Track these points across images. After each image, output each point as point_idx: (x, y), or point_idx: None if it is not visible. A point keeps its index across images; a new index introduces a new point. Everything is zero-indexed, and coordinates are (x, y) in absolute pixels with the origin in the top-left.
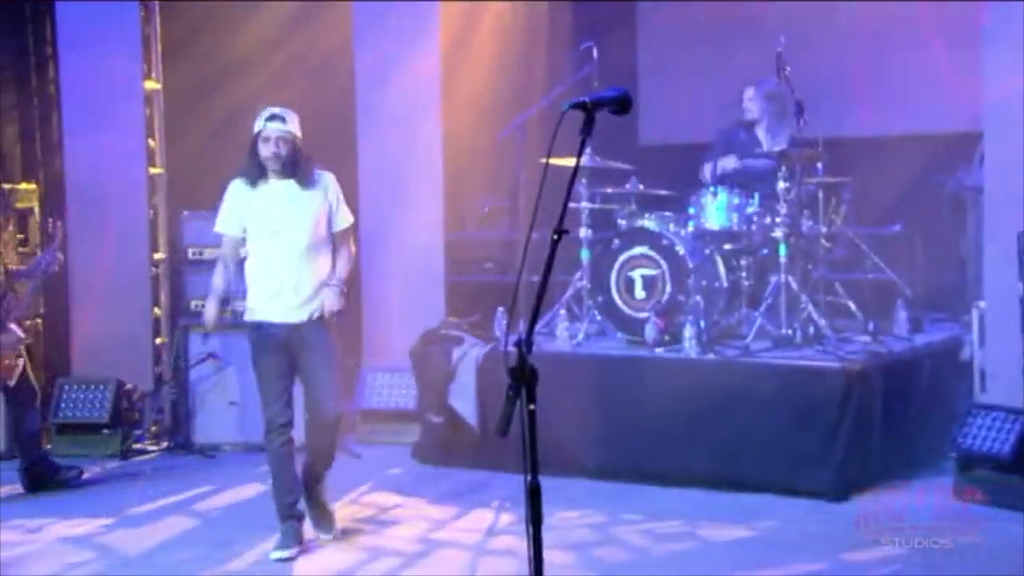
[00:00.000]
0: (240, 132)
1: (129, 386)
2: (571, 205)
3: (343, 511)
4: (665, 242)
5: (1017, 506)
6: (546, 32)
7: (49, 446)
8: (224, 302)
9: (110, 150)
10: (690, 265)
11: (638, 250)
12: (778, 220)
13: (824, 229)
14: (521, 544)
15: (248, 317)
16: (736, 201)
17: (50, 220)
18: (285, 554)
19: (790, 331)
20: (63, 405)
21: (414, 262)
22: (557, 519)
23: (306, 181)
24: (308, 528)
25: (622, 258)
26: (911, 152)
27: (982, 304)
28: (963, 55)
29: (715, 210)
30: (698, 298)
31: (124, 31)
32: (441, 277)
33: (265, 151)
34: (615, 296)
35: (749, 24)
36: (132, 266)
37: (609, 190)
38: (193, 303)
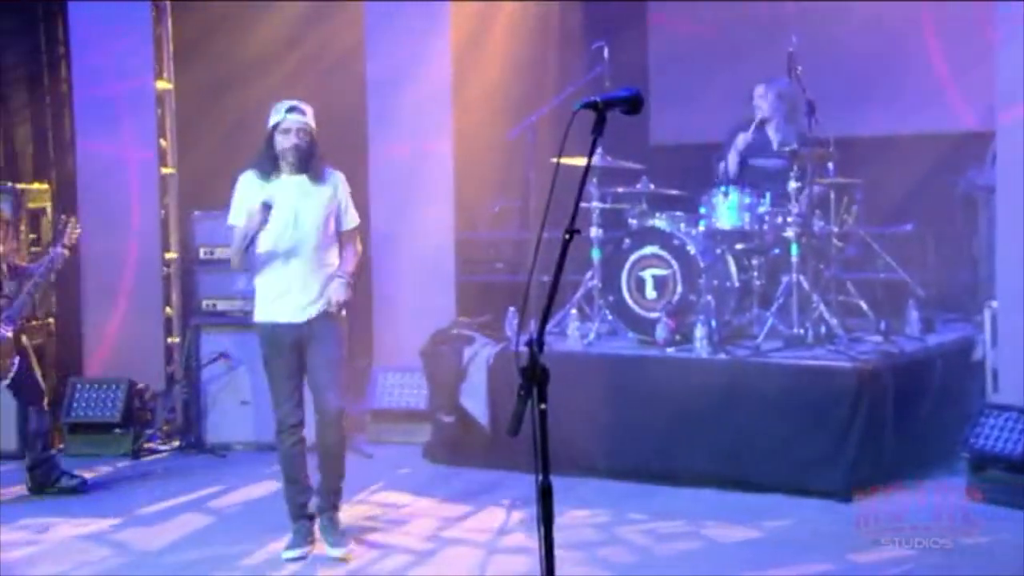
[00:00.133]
0: (251, 132)
1: (141, 386)
2: (582, 205)
3: (354, 510)
4: (676, 242)
5: None
6: (557, 32)
7: (62, 445)
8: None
9: (122, 150)
10: (701, 265)
11: (649, 250)
12: (790, 220)
13: (836, 229)
14: (532, 543)
15: (257, 318)
16: (747, 201)
17: (61, 216)
18: (296, 553)
19: (802, 331)
20: (75, 405)
21: (425, 262)
22: (567, 518)
23: (319, 176)
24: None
25: (633, 258)
26: (923, 151)
27: (994, 304)
28: (976, 54)
29: (726, 210)
30: (709, 298)
31: (136, 31)
32: (452, 277)
33: (285, 142)
34: (626, 296)
35: (760, 23)
36: (144, 266)
37: (620, 190)
38: (205, 302)
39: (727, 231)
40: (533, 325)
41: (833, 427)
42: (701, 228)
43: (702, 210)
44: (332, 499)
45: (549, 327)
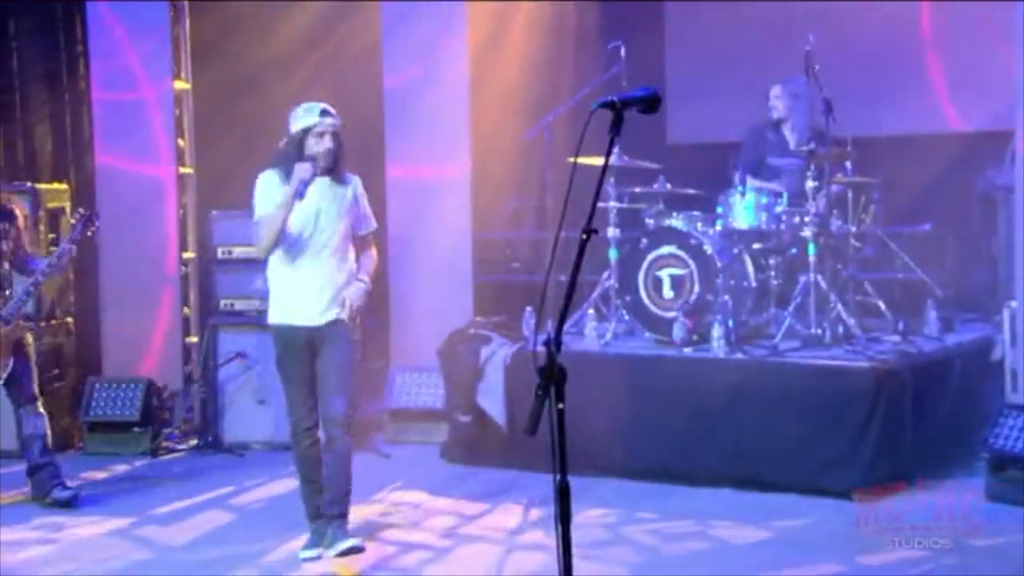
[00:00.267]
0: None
1: (159, 385)
2: (599, 204)
3: (371, 508)
4: (693, 241)
5: None
6: (573, 31)
7: (81, 444)
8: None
9: (140, 150)
10: (718, 264)
11: (666, 249)
12: (807, 219)
13: (854, 228)
14: (549, 541)
15: (272, 319)
16: (764, 200)
17: (79, 211)
18: (314, 553)
19: (819, 331)
20: (94, 404)
21: (442, 262)
22: (582, 518)
23: (341, 178)
24: None
25: (650, 257)
26: (941, 150)
27: (1013, 304)
28: (994, 53)
29: (743, 209)
30: (726, 297)
31: (154, 31)
32: (469, 277)
33: (319, 146)
34: (643, 295)
35: (777, 23)
36: (162, 265)
37: (637, 189)
38: (222, 302)
39: (744, 231)
40: (550, 325)
41: (851, 427)
42: (718, 228)
43: (719, 210)
44: (340, 506)
45: (566, 327)
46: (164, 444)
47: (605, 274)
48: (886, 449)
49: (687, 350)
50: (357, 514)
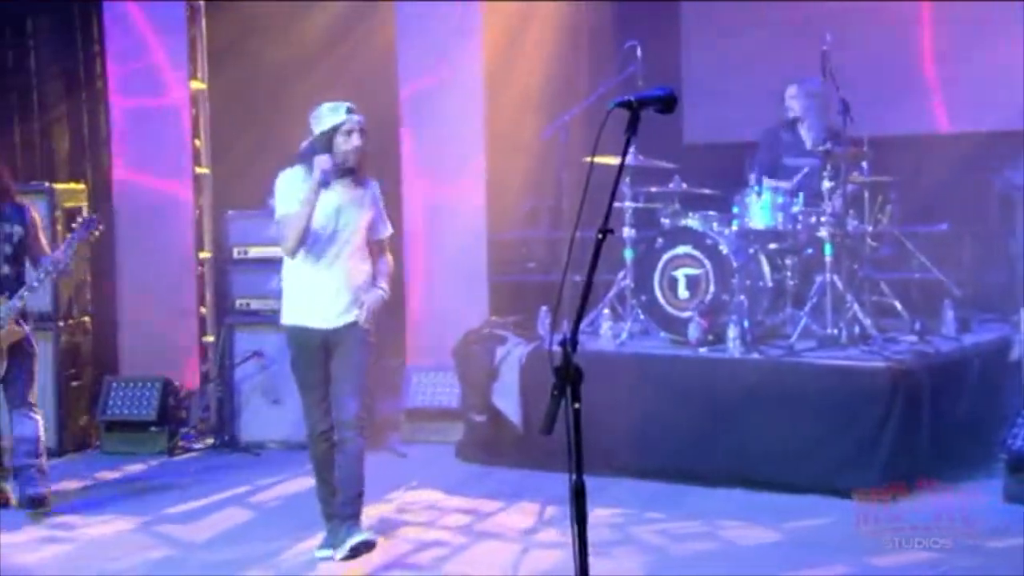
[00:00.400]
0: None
1: (176, 384)
2: (615, 204)
3: (387, 507)
4: (709, 241)
5: None
6: (589, 31)
7: (98, 443)
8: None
9: (156, 149)
10: (734, 264)
11: (682, 249)
12: (823, 219)
13: (870, 228)
14: (564, 540)
15: (286, 320)
16: (781, 200)
17: (81, 216)
18: (330, 552)
19: (835, 331)
20: (111, 403)
21: (457, 261)
22: (596, 517)
23: (362, 181)
24: None
25: (666, 257)
26: (958, 150)
27: None
28: (1013, 53)
29: (759, 209)
30: (742, 297)
31: (170, 31)
32: (484, 276)
33: (348, 144)
34: (659, 295)
35: (793, 22)
36: (178, 265)
37: (653, 189)
38: (238, 301)
39: (760, 231)
40: (566, 325)
41: (867, 428)
42: (734, 227)
43: (735, 209)
44: (352, 507)
45: (582, 326)
46: (180, 443)
47: (620, 274)
48: (903, 450)
49: (702, 350)
50: (372, 512)
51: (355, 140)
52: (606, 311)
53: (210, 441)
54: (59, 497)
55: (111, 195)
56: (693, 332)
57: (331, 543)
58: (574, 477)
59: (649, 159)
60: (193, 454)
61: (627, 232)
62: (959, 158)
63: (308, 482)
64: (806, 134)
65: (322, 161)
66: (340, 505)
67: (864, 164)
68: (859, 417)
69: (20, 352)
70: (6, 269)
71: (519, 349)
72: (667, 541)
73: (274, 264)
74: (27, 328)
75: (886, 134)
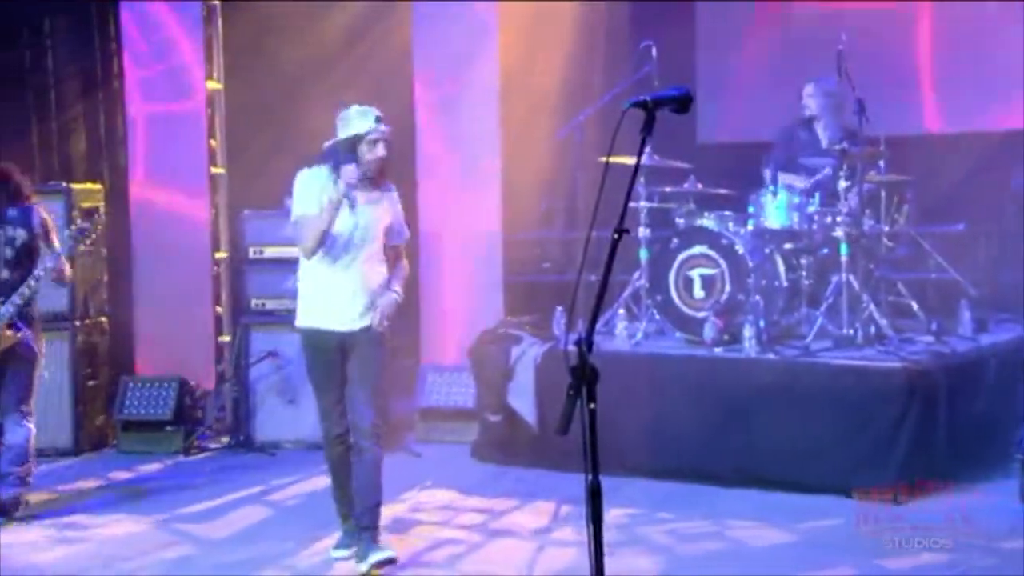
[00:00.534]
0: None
1: (192, 384)
2: (630, 204)
3: (402, 506)
4: (724, 241)
5: None
6: (604, 31)
7: (115, 443)
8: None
9: (172, 149)
10: (750, 264)
11: (697, 249)
12: (839, 219)
13: (886, 228)
14: (579, 540)
15: (301, 323)
16: (796, 200)
17: (74, 224)
18: (346, 553)
19: (851, 331)
20: (127, 403)
21: (473, 261)
22: (609, 517)
23: (383, 186)
24: None
25: (681, 257)
26: (975, 150)
27: None
28: None
29: (775, 209)
30: (757, 297)
31: (187, 31)
32: (499, 276)
33: (371, 154)
34: (674, 295)
35: (809, 22)
36: (194, 265)
37: (668, 189)
38: (254, 301)
39: (776, 230)
40: (581, 324)
41: (883, 428)
42: (749, 227)
43: (750, 209)
44: (370, 517)
45: (597, 326)
46: (196, 443)
47: (636, 274)
48: (919, 450)
49: (718, 350)
50: (387, 512)
51: (379, 151)
52: (621, 311)
53: (225, 441)
54: (74, 496)
55: (128, 195)
56: (708, 332)
57: (346, 543)
58: (590, 477)
59: (664, 159)
60: (209, 454)
61: (642, 232)
62: (976, 158)
63: (323, 481)
64: (822, 133)
65: (349, 173)
66: (358, 515)
67: (881, 163)
68: (875, 417)
69: (14, 358)
70: (5, 274)
71: (534, 349)
72: (676, 541)
73: (290, 264)
74: (25, 333)
75: (902, 134)
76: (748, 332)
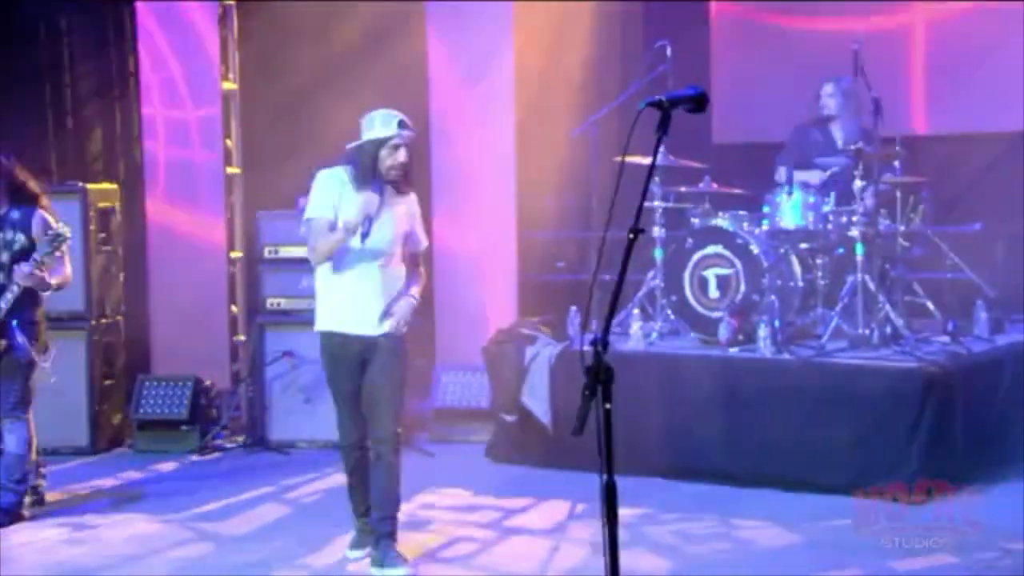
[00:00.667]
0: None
1: (207, 383)
2: (644, 204)
3: (416, 505)
4: (739, 241)
5: None
6: (619, 30)
7: (131, 442)
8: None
9: (188, 149)
10: (764, 264)
11: (712, 249)
12: (855, 219)
13: (902, 228)
14: (594, 539)
15: (321, 327)
16: (812, 200)
17: (49, 231)
18: (360, 553)
19: (867, 331)
20: (143, 402)
21: (487, 261)
22: (622, 516)
23: (404, 191)
24: None
25: (696, 257)
26: (991, 150)
27: None
28: None
29: (790, 209)
30: (773, 297)
31: (202, 32)
32: (514, 276)
33: (392, 159)
34: (689, 295)
35: (824, 22)
36: (210, 264)
37: (683, 189)
38: (269, 301)
39: (791, 230)
40: (595, 324)
41: (899, 429)
42: (764, 227)
43: (765, 209)
44: (388, 525)
45: (612, 326)
46: (212, 442)
47: (650, 274)
48: (935, 451)
49: (733, 350)
50: (402, 510)
51: (401, 156)
52: (636, 311)
53: (241, 440)
54: (90, 495)
55: (143, 194)
56: (723, 332)
57: (360, 543)
58: (605, 477)
59: (679, 159)
60: (224, 453)
61: (657, 232)
62: (993, 158)
63: (338, 480)
64: (838, 132)
65: (370, 205)
66: (376, 522)
67: (896, 163)
68: (891, 418)
69: (6, 365)
70: (1, 277)
71: (548, 349)
72: (686, 541)
73: (305, 264)
74: (16, 339)
75: (918, 133)
76: (763, 332)
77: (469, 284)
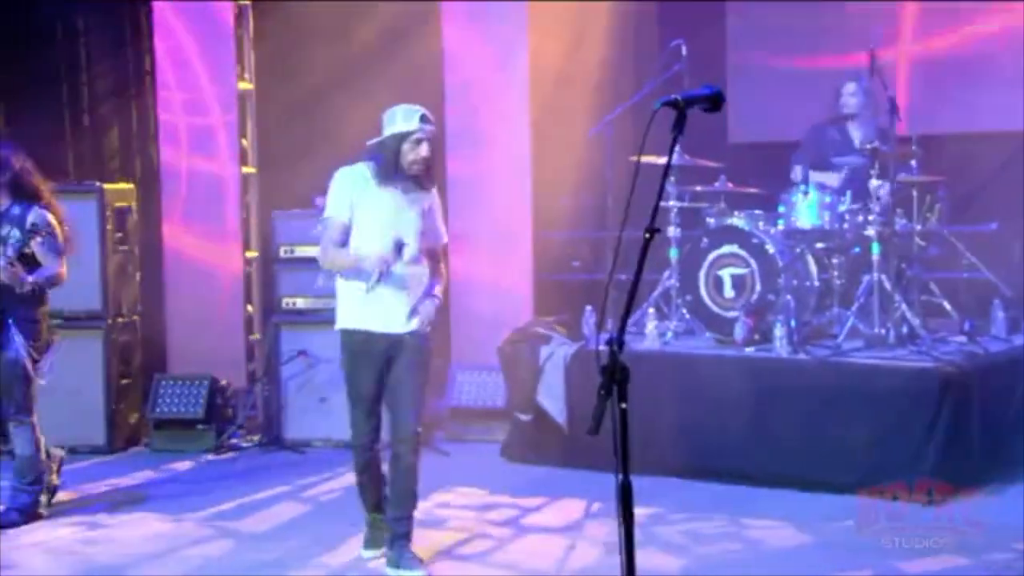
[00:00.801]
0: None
1: (223, 382)
2: (660, 203)
3: (431, 504)
4: (755, 240)
5: None
6: (634, 29)
7: (147, 441)
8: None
9: (204, 149)
10: (780, 264)
11: (727, 248)
12: (871, 218)
13: (918, 227)
14: (609, 539)
15: (344, 324)
16: (828, 199)
17: (27, 221)
18: (375, 552)
19: (883, 331)
20: (160, 401)
21: (502, 260)
22: (652, 517)
23: (425, 186)
24: None
25: (711, 257)
26: (1008, 149)
27: None
28: None
29: (806, 208)
30: (788, 297)
31: (218, 31)
32: (529, 275)
33: (414, 153)
34: (704, 295)
35: (840, 21)
36: (226, 264)
37: (698, 188)
38: (285, 300)
39: (807, 230)
40: (611, 324)
41: (916, 429)
42: (780, 227)
43: (781, 208)
44: (405, 525)
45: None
46: (227, 442)
47: (666, 273)
48: (952, 451)
49: (748, 350)
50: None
51: (423, 151)
52: (651, 311)
53: (256, 439)
54: (106, 494)
55: (160, 194)
56: (739, 332)
57: (373, 541)
58: (620, 477)
59: (694, 158)
60: (239, 452)
61: (672, 231)
62: (1009, 157)
63: (353, 479)
64: (856, 132)
65: (387, 260)
66: (392, 521)
67: (913, 163)
68: (907, 418)
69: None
70: None
71: (564, 348)
72: (698, 541)
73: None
74: (11, 337)
75: (935, 132)
76: (779, 332)
77: (484, 283)
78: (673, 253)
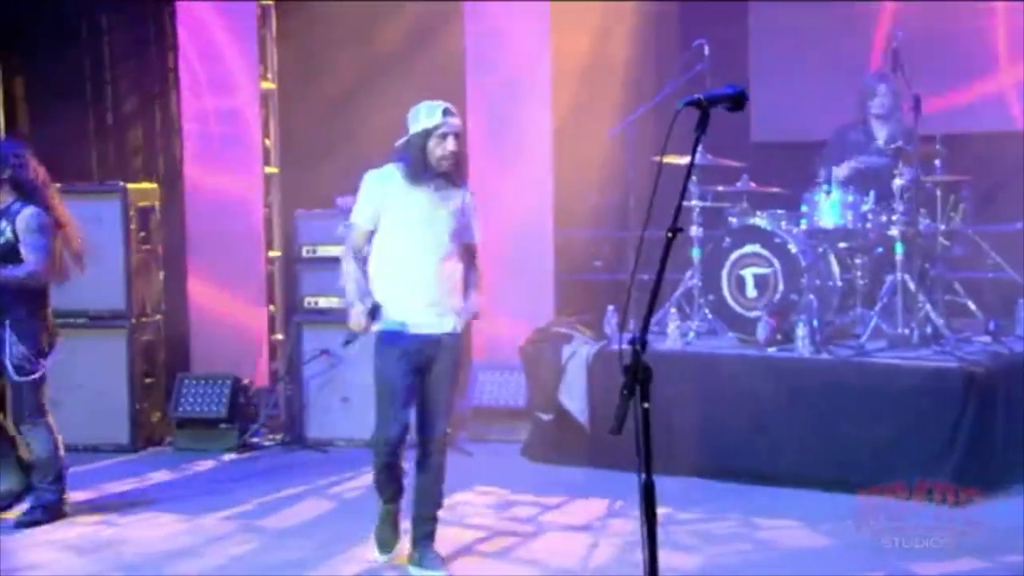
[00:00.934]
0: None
1: (245, 382)
2: (683, 203)
3: (453, 503)
4: (777, 240)
5: None
6: (656, 29)
7: (171, 440)
8: (373, 311)
9: (227, 149)
10: (803, 263)
11: (750, 248)
12: (894, 218)
13: (942, 227)
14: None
15: (379, 325)
16: (851, 199)
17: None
18: (389, 556)
19: (907, 331)
20: (182, 400)
21: (524, 260)
22: (664, 517)
23: (458, 183)
24: None
25: (733, 256)
26: None
27: None
28: None
29: (829, 208)
30: (811, 297)
31: (241, 31)
32: (551, 275)
33: (442, 149)
34: (726, 295)
35: (863, 20)
36: (248, 263)
37: (720, 188)
38: (307, 300)
39: (829, 230)
40: (633, 324)
41: (939, 430)
42: (803, 226)
43: (804, 208)
44: (429, 525)
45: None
46: (250, 441)
47: (688, 273)
48: (976, 452)
49: (771, 350)
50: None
51: (449, 145)
52: (673, 310)
53: (279, 438)
54: (129, 493)
55: (183, 194)
56: (761, 332)
57: (384, 544)
58: (643, 476)
59: (717, 158)
60: (262, 451)
61: (695, 231)
62: None
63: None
64: (881, 132)
65: (361, 320)
66: (416, 521)
67: (937, 162)
68: (931, 419)
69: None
70: None
71: (586, 348)
72: (712, 540)
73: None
74: (13, 351)
75: (959, 132)
76: (801, 332)
77: (506, 283)
78: (695, 253)
